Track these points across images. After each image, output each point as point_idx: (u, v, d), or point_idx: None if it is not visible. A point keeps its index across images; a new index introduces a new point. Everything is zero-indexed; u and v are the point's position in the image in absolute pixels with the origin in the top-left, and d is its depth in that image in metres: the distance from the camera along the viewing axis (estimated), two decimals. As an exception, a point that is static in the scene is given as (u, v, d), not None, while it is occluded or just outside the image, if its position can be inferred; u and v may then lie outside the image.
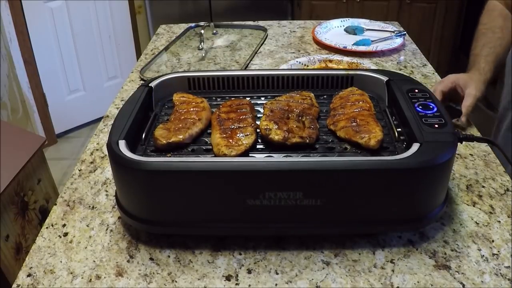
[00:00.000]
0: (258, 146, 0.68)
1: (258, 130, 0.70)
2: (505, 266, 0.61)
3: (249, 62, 1.22)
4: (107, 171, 0.82)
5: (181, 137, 0.67)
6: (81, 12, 2.57)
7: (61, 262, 0.64)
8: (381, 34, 1.36)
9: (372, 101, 0.76)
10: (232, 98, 0.79)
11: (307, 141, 0.66)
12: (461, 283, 0.59)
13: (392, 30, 1.37)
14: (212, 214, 0.62)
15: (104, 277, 0.61)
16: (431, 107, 0.68)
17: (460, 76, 0.97)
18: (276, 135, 0.65)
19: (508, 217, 0.69)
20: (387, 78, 0.78)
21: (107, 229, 0.69)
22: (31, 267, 0.63)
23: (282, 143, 0.65)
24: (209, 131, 0.71)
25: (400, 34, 1.32)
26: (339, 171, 0.58)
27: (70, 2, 2.50)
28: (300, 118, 0.71)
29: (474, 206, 0.71)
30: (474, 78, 0.96)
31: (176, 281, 0.60)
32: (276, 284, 0.59)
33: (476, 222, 0.68)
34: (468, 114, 0.91)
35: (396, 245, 0.64)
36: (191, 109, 0.74)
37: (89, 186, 0.78)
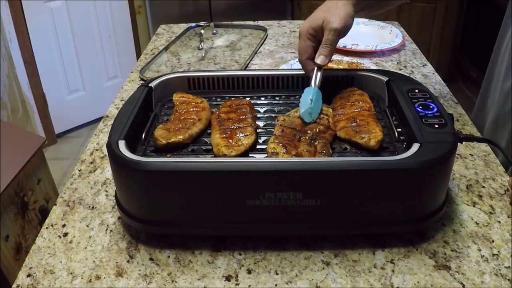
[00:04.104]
0: (258, 146, 0.68)
1: (258, 130, 0.70)
2: (505, 267, 0.61)
3: (249, 62, 1.22)
4: (107, 171, 0.82)
5: (181, 137, 0.67)
6: (81, 12, 2.57)
7: (61, 262, 0.64)
8: (379, 33, 1.36)
9: (372, 101, 0.76)
10: (232, 98, 0.79)
11: None
12: (461, 283, 0.58)
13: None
14: (212, 215, 0.62)
15: (104, 277, 0.61)
16: (431, 107, 0.68)
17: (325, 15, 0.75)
18: None
19: (508, 217, 0.69)
20: (387, 78, 0.78)
21: (107, 229, 0.69)
22: (31, 267, 0.63)
23: None
24: (209, 131, 0.71)
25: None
26: (339, 171, 0.58)
27: (70, 2, 2.51)
28: (312, 141, 0.66)
29: (474, 206, 0.71)
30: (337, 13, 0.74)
31: (176, 281, 0.60)
32: (276, 285, 0.59)
33: (476, 222, 0.68)
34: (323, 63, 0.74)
35: (396, 245, 0.64)
36: (191, 109, 0.74)
37: (89, 186, 0.78)
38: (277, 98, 0.81)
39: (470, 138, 0.67)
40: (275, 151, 0.63)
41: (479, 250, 0.63)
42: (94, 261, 0.63)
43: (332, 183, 0.59)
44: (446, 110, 0.68)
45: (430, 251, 0.63)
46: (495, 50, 0.97)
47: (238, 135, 0.67)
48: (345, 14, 0.74)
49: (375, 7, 0.85)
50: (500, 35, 0.96)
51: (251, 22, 1.49)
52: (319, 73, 0.74)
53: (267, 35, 1.39)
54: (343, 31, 0.74)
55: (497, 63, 0.95)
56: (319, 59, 0.74)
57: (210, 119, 0.73)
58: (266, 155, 0.65)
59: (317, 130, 0.68)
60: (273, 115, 0.75)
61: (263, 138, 0.69)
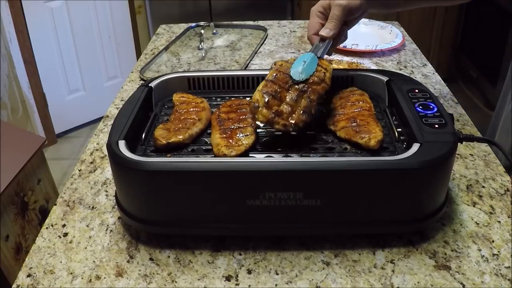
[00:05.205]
0: (258, 146, 0.68)
1: (258, 130, 0.70)
2: (505, 267, 0.61)
3: (249, 62, 1.22)
4: (107, 171, 0.82)
5: (181, 137, 0.67)
6: (81, 12, 2.57)
7: (61, 262, 0.64)
8: (379, 33, 1.36)
9: (372, 101, 0.76)
10: (232, 98, 0.79)
11: (290, 129, 0.64)
12: (461, 283, 0.58)
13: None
14: (212, 215, 0.62)
15: (104, 277, 0.61)
16: (431, 107, 0.68)
17: None
18: (261, 116, 0.64)
19: (508, 217, 0.69)
20: (387, 78, 0.78)
21: (107, 229, 0.69)
22: (31, 267, 0.63)
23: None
24: (209, 131, 0.71)
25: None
26: (339, 171, 0.58)
27: (70, 2, 2.51)
28: (302, 93, 0.67)
29: (474, 206, 0.71)
30: None
31: (176, 282, 0.60)
32: (276, 285, 0.59)
33: (476, 222, 0.68)
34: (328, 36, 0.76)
35: (396, 245, 0.64)
36: (191, 109, 0.74)
37: (89, 186, 0.78)
38: (277, 98, 0.81)
39: (470, 138, 0.67)
40: (258, 104, 0.64)
41: (479, 250, 0.63)
42: (94, 261, 0.63)
43: (332, 183, 0.59)
44: (446, 110, 0.68)
45: (430, 251, 0.63)
46: None
47: (238, 135, 0.67)
48: None
49: (393, 1, 0.84)
50: None
51: (251, 22, 1.49)
52: (321, 44, 0.76)
53: (267, 35, 1.39)
54: (347, 7, 0.76)
55: None
56: (323, 32, 0.77)
57: (210, 119, 0.73)
58: (266, 155, 0.65)
59: (311, 81, 0.68)
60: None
61: (263, 138, 0.69)
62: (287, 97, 0.66)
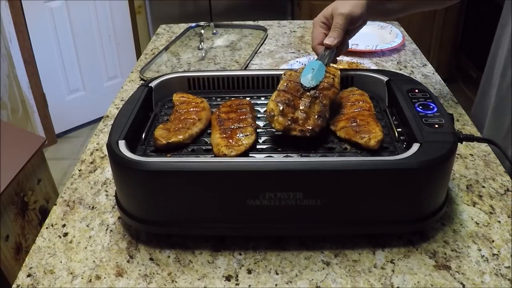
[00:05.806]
0: (258, 146, 0.68)
1: (258, 130, 0.70)
2: (505, 266, 0.61)
3: (249, 62, 1.22)
4: (107, 171, 0.82)
5: (181, 137, 0.67)
6: (81, 12, 2.57)
7: (61, 262, 0.64)
8: (379, 33, 1.37)
9: (372, 101, 0.76)
10: (232, 98, 0.79)
11: (308, 134, 0.65)
12: (461, 283, 0.58)
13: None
14: (212, 215, 0.62)
15: (104, 277, 0.61)
16: (431, 107, 0.68)
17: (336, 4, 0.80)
18: (278, 124, 0.65)
19: (508, 217, 0.69)
20: (387, 78, 0.78)
21: (107, 229, 0.69)
22: (31, 267, 0.63)
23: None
24: (209, 131, 0.71)
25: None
26: (339, 171, 0.58)
27: (70, 2, 2.51)
28: (314, 99, 0.68)
29: (474, 206, 0.71)
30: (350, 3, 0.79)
31: (176, 281, 0.60)
32: (276, 285, 0.59)
33: (476, 222, 0.68)
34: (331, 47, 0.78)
35: (396, 245, 0.64)
36: (191, 109, 0.74)
37: (89, 186, 0.78)
38: (277, 98, 0.81)
39: (470, 138, 0.67)
40: (273, 113, 0.65)
41: (479, 250, 0.63)
42: (94, 261, 0.63)
43: (332, 183, 0.59)
44: (446, 110, 0.68)
45: (430, 251, 0.63)
46: (494, 44, 0.97)
47: (238, 135, 0.67)
48: (354, 2, 0.79)
49: (392, 4, 0.85)
50: (499, 27, 0.96)
51: (251, 22, 1.49)
52: (326, 53, 0.78)
53: (267, 35, 1.39)
54: (350, 16, 0.78)
55: (497, 56, 0.95)
56: (327, 40, 0.79)
57: (210, 119, 0.73)
58: (266, 155, 0.65)
59: (321, 87, 0.70)
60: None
61: (263, 138, 0.69)
62: (300, 104, 0.67)
